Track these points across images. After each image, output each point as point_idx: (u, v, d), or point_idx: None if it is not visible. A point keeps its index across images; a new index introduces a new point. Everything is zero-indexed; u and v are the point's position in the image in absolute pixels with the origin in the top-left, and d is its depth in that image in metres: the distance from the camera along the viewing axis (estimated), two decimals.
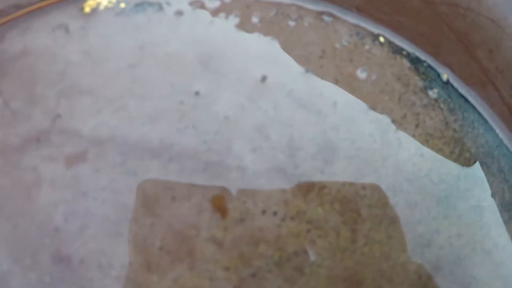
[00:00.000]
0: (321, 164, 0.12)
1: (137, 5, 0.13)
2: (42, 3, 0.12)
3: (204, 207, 0.11)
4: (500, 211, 0.14)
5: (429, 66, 0.14)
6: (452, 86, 0.15)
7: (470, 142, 0.14)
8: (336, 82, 0.13)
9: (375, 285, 0.12)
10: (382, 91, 0.13)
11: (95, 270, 0.10)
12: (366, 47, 0.14)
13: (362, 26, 0.14)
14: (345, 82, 0.13)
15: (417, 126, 0.14)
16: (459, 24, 0.14)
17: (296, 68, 0.13)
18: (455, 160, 0.14)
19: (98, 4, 0.12)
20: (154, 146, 0.11)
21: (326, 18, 0.13)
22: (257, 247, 0.11)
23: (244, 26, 0.13)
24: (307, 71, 0.13)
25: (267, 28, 0.13)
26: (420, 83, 0.14)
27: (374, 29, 0.14)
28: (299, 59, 0.13)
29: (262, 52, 0.13)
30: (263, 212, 0.11)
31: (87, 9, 0.12)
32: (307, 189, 0.12)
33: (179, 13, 0.12)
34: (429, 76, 0.14)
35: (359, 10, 0.14)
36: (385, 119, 0.13)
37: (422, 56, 0.14)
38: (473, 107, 0.15)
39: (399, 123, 0.13)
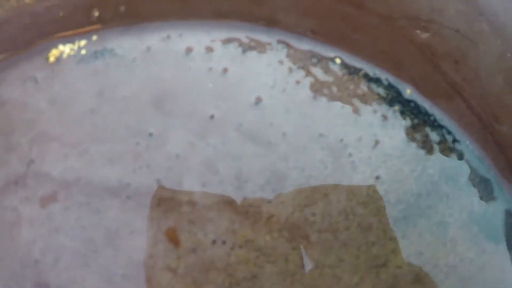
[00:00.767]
0: (269, 194, 0.14)
1: (96, 51, 0.15)
2: (9, 55, 0.15)
3: (159, 239, 0.14)
4: (468, 225, 0.15)
5: (389, 83, 0.16)
6: (416, 102, 0.16)
7: (434, 158, 0.16)
8: (287, 111, 0.15)
9: None
10: (336, 115, 0.15)
11: None
12: (321, 71, 0.15)
13: (317, 50, 0.15)
14: (296, 111, 0.15)
15: (374, 147, 0.15)
16: (421, 37, 0.15)
17: (246, 100, 0.15)
18: (416, 179, 0.15)
19: (62, 52, 0.15)
20: (113, 185, 0.14)
21: (278, 45, 0.15)
22: (208, 274, 0.14)
23: (195, 62, 0.15)
24: (257, 103, 0.15)
25: (218, 61, 0.15)
26: (379, 102, 0.16)
27: (330, 52, 0.16)
28: (249, 91, 0.15)
29: (212, 88, 0.15)
30: (213, 242, 0.14)
31: (51, 59, 0.15)
32: (255, 218, 0.14)
33: (134, 58, 0.15)
34: (389, 93, 0.16)
35: (314, 33, 0.16)
36: (338, 144, 0.15)
37: (382, 73, 0.16)
38: (439, 121, 0.16)
39: (353, 146, 0.15)
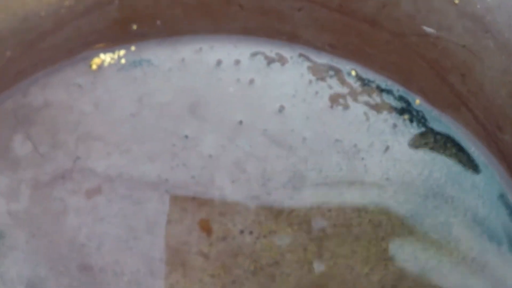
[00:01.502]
0: (290, 191, 0.18)
1: (135, 61, 0.19)
2: (56, 61, 0.19)
3: (193, 228, 0.17)
4: (472, 226, 0.18)
5: (400, 94, 0.19)
6: (424, 111, 0.19)
7: (441, 163, 0.19)
8: (307, 118, 0.18)
9: None
10: (351, 123, 0.19)
11: (111, 276, 0.17)
12: (338, 82, 0.19)
13: (334, 64, 0.19)
14: (315, 118, 0.18)
15: (384, 152, 0.19)
16: (430, 52, 0.19)
17: (270, 108, 0.19)
18: (423, 181, 0.18)
19: (103, 61, 0.19)
20: (153, 180, 0.18)
21: (299, 58, 0.19)
22: (236, 259, 0.17)
23: (224, 73, 0.19)
24: (280, 110, 0.18)
25: (245, 73, 0.19)
26: (390, 111, 0.19)
27: (346, 65, 0.19)
28: (273, 100, 0.19)
29: (241, 97, 0.18)
30: (241, 231, 0.18)
31: (94, 66, 0.19)
32: (278, 212, 0.18)
33: (169, 68, 0.19)
34: (400, 103, 0.19)
35: (332, 47, 0.19)
36: (352, 149, 0.18)
37: (394, 85, 0.19)
38: (446, 129, 0.19)
39: (366, 151, 0.18)
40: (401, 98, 0.19)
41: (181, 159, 0.18)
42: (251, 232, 0.17)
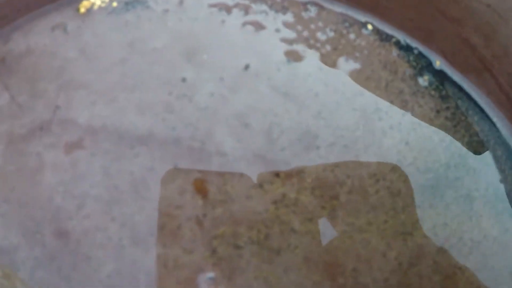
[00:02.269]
0: (300, 150, 0.14)
1: (127, 3, 0.15)
2: (41, 5, 0.15)
3: (186, 189, 0.13)
4: (493, 202, 0.15)
5: (420, 53, 0.16)
6: (445, 74, 0.16)
7: (462, 130, 0.15)
8: (320, 70, 0.15)
9: (353, 270, 0.14)
10: (367, 79, 0.15)
11: (90, 245, 0.13)
12: (352, 35, 0.15)
13: (349, 14, 0.15)
14: (328, 71, 0.15)
15: (404, 114, 0.15)
16: (452, 10, 0.15)
17: (278, 58, 0.15)
18: (444, 149, 0.15)
19: (92, 4, 0.15)
20: (141, 133, 0.14)
21: (311, 7, 0.15)
22: (235, 228, 0.13)
23: (228, 19, 0.15)
24: (289, 61, 0.15)
25: (250, 21, 0.15)
26: (410, 71, 0.16)
27: (362, 17, 0.16)
28: (282, 49, 0.15)
29: (245, 44, 0.15)
30: (241, 195, 0.14)
31: (82, 10, 0.15)
32: (285, 174, 0.14)
33: (166, 10, 0.15)
34: (419, 63, 0.16)
35: None
36: (369, 107, 0.15)
37: (413, 43, 0.16)
38: (468, 95, 0.16)
39: (384, 111, 0.15)
40: (421, 58, 0.15)
41: (175, 109, 0.14)
42: (252, 197, 0.13)
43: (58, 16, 0.15)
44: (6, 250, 0.13)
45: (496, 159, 0.15)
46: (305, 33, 0.15)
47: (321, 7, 0.15)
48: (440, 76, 0.16)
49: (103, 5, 0.15)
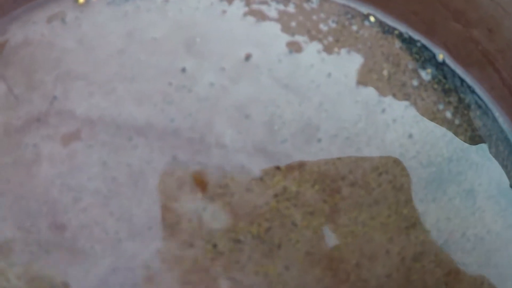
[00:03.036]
0: (301, 143, 0.13)
1: None
2: None
3: (185, 182, 0.13)
4: (497, 197, 0.14)
5: (423, 46, 0.15)
6: (448, 67, 0.15)
7: (465, 124, 0.15)
8: (322, 62, 0.14)
9: (355, 265, 0.13)
10: (370, 71, 0.14)
11: (87, 238, 0.12)
12: (355, 27, 0.15)
13: (351, 6, 0.15)
14: (330, 62, 0.14)
15: (406, 107, 0.14)
16: (455, 3, 0.15)
17: (280, 49, 0.14)
18: (447, 143, 0.14)
19: None
20: (140, 125, 0.13)
21: None
22: (235, 221, 0.12)
23: (229, 10, 0.14)
24: (291, 51, 0.14)
25: (252, 11, 0.14)
26: (412, 64, 0.15)
27: (364, 9, 0.15)
28: (283, 40, 0.14)
29: (246, 34, 0.14)
30: (241, 188, 0.13)
31: (81, 1, 0.14)
32: (286, 167, 0.13)
33: (166, 0, 0.14)
34: (422, 56, 0.15)
35: None
36: (372, 99, 0.14)
37: (416, 35, 0.15)
38: (471, 89, 0.15)
39: (387, 103, 0.14)
40: (424, 50, 0.15)
41: (174, 100, 0.13)
42: (253, 190, 0.12)
43: (56, 6, 0.14)
44: (0, 244, 0.12)
45: (498, 154, 0.15)
46: (307, 24, 0.14)
47: None
48: (443, 70, 0.15)
49: None
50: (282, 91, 0.13)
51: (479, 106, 0.15)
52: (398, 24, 0.15)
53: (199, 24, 0.14)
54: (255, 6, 0.14)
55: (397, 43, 0.15)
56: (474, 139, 0.15)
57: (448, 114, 0.15)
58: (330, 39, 0.14)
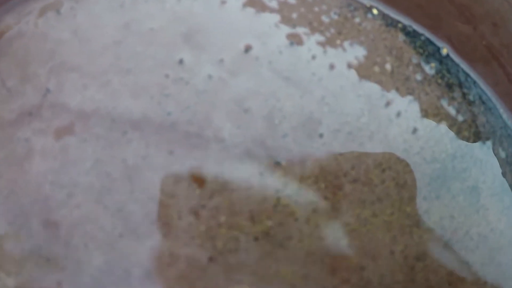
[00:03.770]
0: (302, 137, 0.12)
1: None
2: None
3: (182, 178, 0.12)
4: (500, 195, 0.14)
5: (427, 39, 0.14)
6: (452, 61, 0.14)
7: (469, 120, 0.14)
8: (323, 54, 0.13)
9: (358, 264, 0.12)
10: (373, 64, 0.13)
11: (80, 235, 0.11)
12: (357, 19, 0.14)
13: None
14: (332, 55, 0.13)
15: (410, 101, 0.14)
16: None
17: (281, 40, 0.13)
18: (451, 139, 0.14)
19: None
20: (135, 118, 0.12)
21: None
22: (233, 219, 0.12)
23: (228, 0, 0.13)
24: (292, 43, 0.13)
25: (251, 2, 0.13)
26: (416, 57, 0.14)
27: (367, 1, 0.14)
28: (284, 32, 0.13)
29: (246, 26, 0.13)
30: (240, 184, 0.12)
31: None
32: (286, 163, 0.12)
33: None
34: (426, 50, 0.14)
35: None
36: (375, 94, 0.13)
37: (419, 29, 0.14)
38: (475, 84, 0.14)
39: (390, 97, 0.13)
40: (428, 44, 0.14)
41: (171, 93, 0.12)
42: (252, 186, 0.12)
43: None
44: None
45: (503, 150, 0.14)
46: (309, 16, 0.13)
47: None
48: (447, 64, 0.14)
49: None
50: (282, 84, 0.12)
51: (483, 102, 0.14)
52: (401, 17, 0.14)
53: (197, 14, 0.13)
54: None
55: (401, 36, 0.14)
56: (478, 135, 0.14)
57: (452, 110, 0.14)
58: (332, 31, 0.13)
